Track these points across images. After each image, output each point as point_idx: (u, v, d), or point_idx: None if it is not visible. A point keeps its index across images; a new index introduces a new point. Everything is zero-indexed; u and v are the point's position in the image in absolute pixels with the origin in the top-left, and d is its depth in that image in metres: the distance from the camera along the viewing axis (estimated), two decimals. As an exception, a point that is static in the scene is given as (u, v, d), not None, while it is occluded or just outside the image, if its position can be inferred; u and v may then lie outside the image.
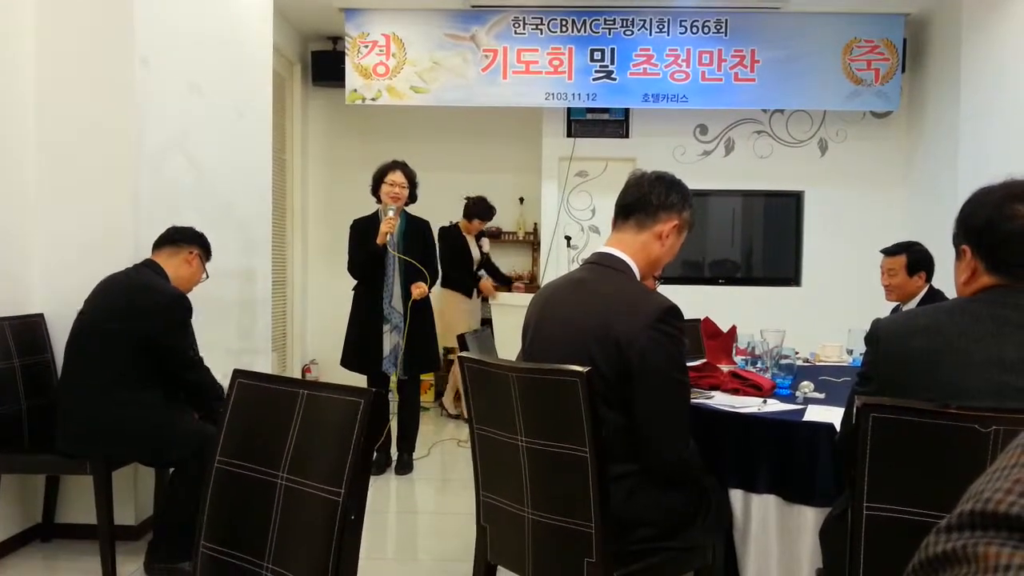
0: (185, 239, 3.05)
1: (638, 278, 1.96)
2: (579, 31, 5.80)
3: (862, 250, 5.24)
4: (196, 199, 3.76)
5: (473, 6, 5.77)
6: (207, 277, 3.15)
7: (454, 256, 5.51)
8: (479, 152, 6.65)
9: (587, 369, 1.67)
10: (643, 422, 1.81)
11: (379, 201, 4.24)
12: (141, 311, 2.79)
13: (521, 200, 6.67)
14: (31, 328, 3.09)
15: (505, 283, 5.88)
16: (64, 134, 3.22)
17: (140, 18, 3.26)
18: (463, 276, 5.58)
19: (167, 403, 2.86)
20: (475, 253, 5.70)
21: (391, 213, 4.11)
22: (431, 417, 5.96)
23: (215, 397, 2.87)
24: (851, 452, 1.45)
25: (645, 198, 1.96)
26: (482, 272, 5.80)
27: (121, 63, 3.23)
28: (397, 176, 4.20)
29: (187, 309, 2.88)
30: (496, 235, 6.29)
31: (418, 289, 4.19)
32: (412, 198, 4.29)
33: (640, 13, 5.77)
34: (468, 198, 5.69)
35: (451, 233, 5.62)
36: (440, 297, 5.45)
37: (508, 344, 2.81)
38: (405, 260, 4.21)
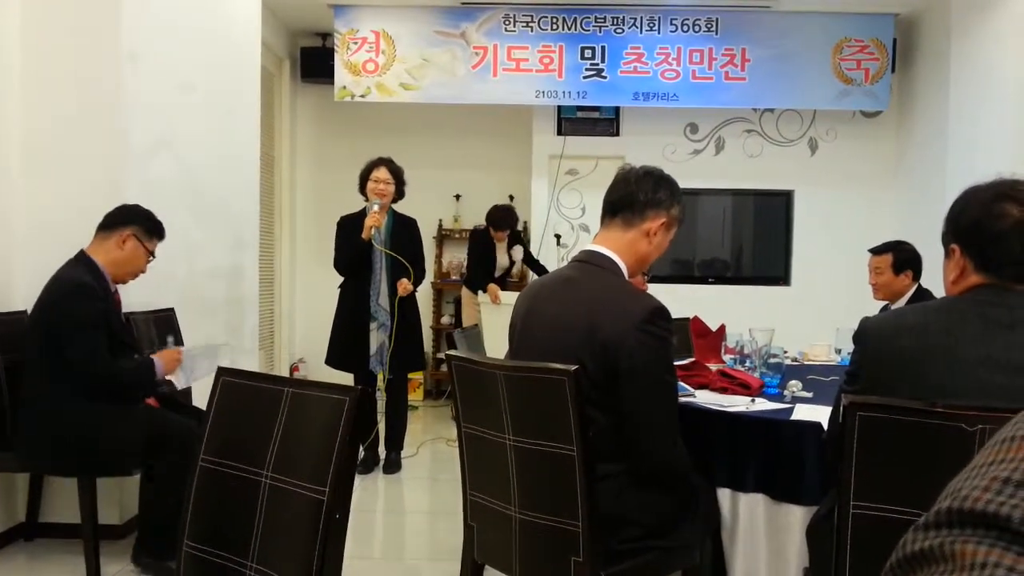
0: (118, 220, 2.85)
1: (626, 276, 1.95)
2: (569, 29, 5.79)
3: (851, 249, 5.25)
4: (183, 196, 3.73)
5: (463, 3, 5.75)
6: (153, 258, 2.94)
7: (477, 258, 5.56)
8: (469, 150, 6.63)
9: (575, 368, 1.66)
10: (630, 423, 1.80)
11: (367, 199, 4.22)
12: (43, 307, 2.71)
13: (511, 198, 6.66)
14: (14, 325, 3.06)
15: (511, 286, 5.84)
16: (50, 130, 3.18)
17: (127, 14, 3.24)
18: (481, 278, 5.57)
19: (100, 407, 2.70)
20: (502, 260, 5.68)
21: (376, 207, 4.09)
22: (419, 416, 5.94)
23: (140, 385, 2.76)
24: (838, 451, 1.45)
25: (632, 195, 1.95)
26: (512, 275, 5.80)
27: (108, 59, 3.20)
28: (382, 173, 4.18)
29: (84, 299, 2.69)
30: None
31: (402, 285, 4.17)
32: (399, 194, 4.27)
33: (631, 11, 5.77)
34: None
35: (480, 236, 5.63)
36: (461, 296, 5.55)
37: (498, 342, 2.80)
38: (392, 257, 4.19)
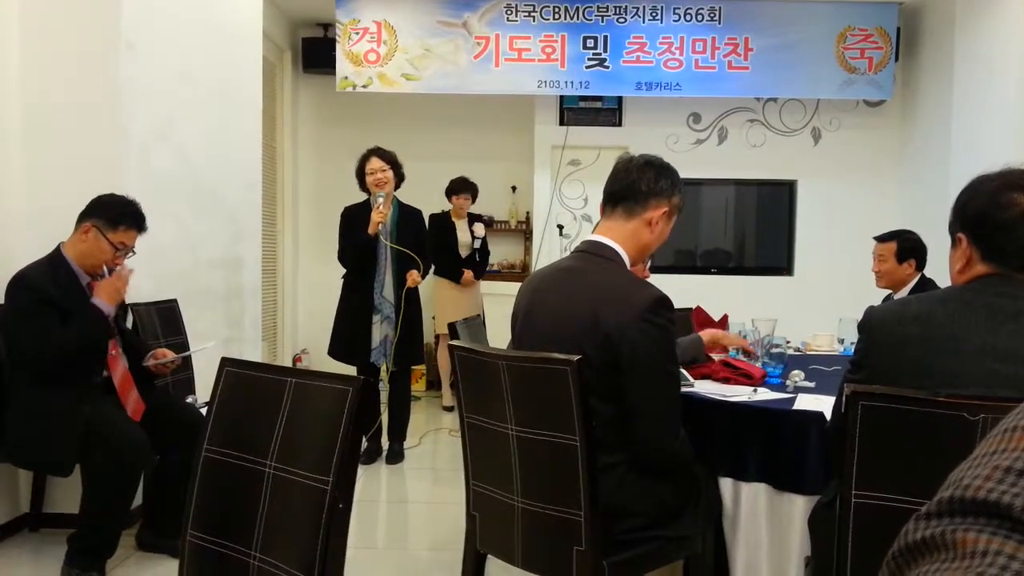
0: (84, 211, 2.79)
1: (628, 266, 1.95)
2: (572, 18, 5.77)
3: (854, 240, 5.25)
4: (184, 187, 3.73)
5: (465, -8, 5.73)
6: (123, 251, 2.82)
7: (439, 243, 5.54)
8: (471, 140, 6.62)
9: (577, 358, 1.66)
10: (633, 413, 1.80)
11: (371, 194, 4.20)
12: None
13: (513, 189, 6.65)
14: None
15: (477, 272, 5.83)
16: (50, 121, 3.18)
17: (127, 3, 3.23)
18: (448, 263, 5.59)
19: (46, 403, 2.68)
20: (465, 238, 5.69)
21: (380, 201, 4.07)
22: (422, 406, 5.95)
23: (97, 337, 2.71)
24: (840, 440, 1.45)
25: (634, 185, 1.94)
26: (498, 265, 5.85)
27: (107, 49, 3.19)
28: (374, 163, 4.15)
29: (17, 292, 2.69)
30: (488, 224, 6.24)
31: (412, 278, 4.16)
32: (399, 178, 4.25)
33: (633, 1, 5.75)
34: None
35: (438, 220, 5.62)
36: (431, 285, 5.46)
37: (501, 333, 2.80)
38: (397, 250, 4.17)
